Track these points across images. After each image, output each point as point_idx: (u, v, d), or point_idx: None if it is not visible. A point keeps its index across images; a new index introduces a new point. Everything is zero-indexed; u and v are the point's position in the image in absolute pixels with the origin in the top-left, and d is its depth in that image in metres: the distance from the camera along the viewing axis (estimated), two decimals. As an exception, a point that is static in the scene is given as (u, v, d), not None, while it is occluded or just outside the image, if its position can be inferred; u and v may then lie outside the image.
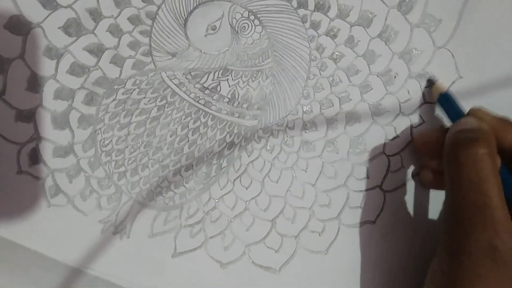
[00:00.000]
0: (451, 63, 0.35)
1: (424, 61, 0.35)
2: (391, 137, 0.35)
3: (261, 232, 0.34)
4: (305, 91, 0.34)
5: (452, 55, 0.35)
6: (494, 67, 0.36)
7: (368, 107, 0.35)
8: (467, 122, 0.30)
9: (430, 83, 0.35)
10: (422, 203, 0.35)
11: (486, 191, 0.26)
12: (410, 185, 0.35)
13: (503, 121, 0.30)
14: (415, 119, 0.35)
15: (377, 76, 0.35)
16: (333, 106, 0.35)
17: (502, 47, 0.36)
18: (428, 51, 0.35)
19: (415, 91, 0.35)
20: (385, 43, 0.35)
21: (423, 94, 0.35)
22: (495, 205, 0.26)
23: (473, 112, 0.31)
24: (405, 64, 0.35)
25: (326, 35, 0.34)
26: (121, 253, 0.32)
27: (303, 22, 0.34)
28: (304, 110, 0.34)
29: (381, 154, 0.35)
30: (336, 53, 0.35)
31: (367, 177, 0.35)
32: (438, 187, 0.34)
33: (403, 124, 0.35)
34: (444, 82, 0.35)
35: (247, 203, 0.34)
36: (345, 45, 0.35)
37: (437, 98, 0.34)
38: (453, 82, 0.35)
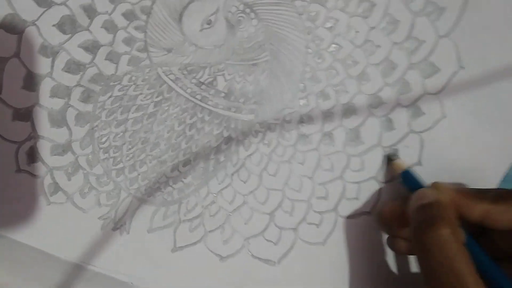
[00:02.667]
0: (453, 53, 0.35)
1: (426, 52, 0.35)
2: (388, 129, 0.35)
3: (260, 225, 0.34)
4: (301, 84, 0.34)
5: (455, 45, 0.35)
6: (497, 57, 0.35)
7: (365, 99, 0.35)
8: (426, 194, 0.30)
9: (389, 159, 0.35)
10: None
11: (457, 271, 0.26)
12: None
13: (463, 192, 0.30)
14: (411, 113, 0.35)
15: (375, 67, 0.35)
16: (329, 99, 0.34)
17: (506, 37, 0.35)
18: (430, 41, 0.35)
19: (415, 83, 0.35)
20: (384, 33, 0.34)
21: (424, 85, 0.35)
22: (469, 283, 0.26)
23: (432, 186, 0.31)
24: (405, 54, 0.35)
25: (324, 27, 0.34)
26: (121, 249, 0.33)
27: (299, 14, 0.34)
28: (301, 103, 0.34)
29: (377, 146, 0.35)
30: (334, 45, 0.34)
31: (363, 168, 0.35)
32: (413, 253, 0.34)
33: (400, 115, 0.35)
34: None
35: (246, 197, 0.34)
36: (343, 37, 0.34)
37: (398, 175, 0.34)
38: (455, 72, 0.35)
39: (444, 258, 0.26)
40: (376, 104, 0.35)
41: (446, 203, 0.29)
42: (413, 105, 0.35)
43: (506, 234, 0.29)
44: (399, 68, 0.35)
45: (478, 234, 0.30)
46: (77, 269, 0.32)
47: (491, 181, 0.36)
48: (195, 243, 0.34)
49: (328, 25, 0.34)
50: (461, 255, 0.26)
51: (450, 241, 0.27)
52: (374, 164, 0.35)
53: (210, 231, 0.34)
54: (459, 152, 0.35)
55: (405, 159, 0.35)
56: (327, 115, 0.35)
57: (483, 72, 0.35)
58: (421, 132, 0.35)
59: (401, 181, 0.34)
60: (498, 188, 0.32)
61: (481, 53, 0.35)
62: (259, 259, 0.34)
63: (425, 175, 0.35)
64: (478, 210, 0.29)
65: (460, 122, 0.35)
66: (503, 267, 0.29)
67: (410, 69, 0.35)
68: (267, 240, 0.34)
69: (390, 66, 0.35)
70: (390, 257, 0.35)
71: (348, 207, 0.35)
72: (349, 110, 0.35)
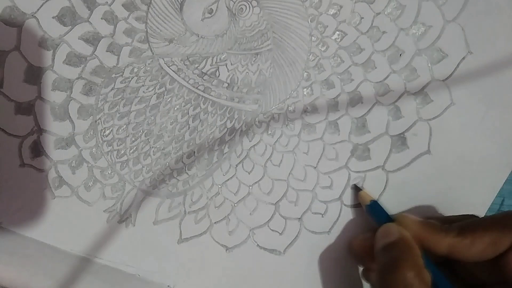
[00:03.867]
0: (461, 38, 0.34)
1: (433, 37, 0.34)
2: (395, 117, 0.34)
3: (265, 215, 0.34)
4: (305, 73, 0.34)
5: (463, 29, 0.34)
6: (507, 41, 0.34)
7: (371, 87, 0.34)
8: (390, 231, 0.30)
9: (357, 189, 0.35)
10: (424, 183, 0.35)
11: None
12: (414, 165, 0.35)
13: (428, 226, 0.30)
14: (419, 101, 0.34)
15: (382, 54, 0.34)
16: (334, 87, 0.34)
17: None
18: (437, 26, 0.34)
19: (423, 69, 0.34)
20: (390, 19, 0.33)
21: (432, 71, 0.34)
22: None
23: (398, 219, 0.31)
24: (412, 40, 0.34)
25: (327, 14, 0.33)
26: (127, 241, 0.33)
27: (302, 1, 0.33)
28: (305, 92, 0.34)
29: (384, 134, 0.34)
30: (338, 32, 0.34)
31: (370, 158, 0.35)
32: None
33: (408, 103, 0.34)
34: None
35: (250, 187, 0.34)
36: (347, 23, 0.34)
37: (365, 205, 0.34)
38: (463, 58, 0.34)
39: None
40: (382, 92, 0.34)
41: (410, 241, 0.29)
42: (421, 92, 0.34)
43: (478, 264, 0.29)
44: (406, 55, 0.34)
45: (454, 261, 0.30)
46: (84, 262, 0.32)
47: (502, 169, 0.35)
48: (200, 235, 0.34)
49: (332, 11, 0.33)
50: None
51: (415, 284, 0.27)
52: (381, 153, 0.35)
53: (215, 222, 0.34)
54: (469, 140, 0.35)
55: (414, 148, 0.35)
56: (332, 104, 0.34)
57: (492, 57, 0.34)
58: (429, 119, 0.35)
59: (367, 212, 0.34)
60: (461, 219, 0.31)
61: (490, 37, 0.34)
62: (265, 249, 0.34)
63: (434, 164, 0.35)
64: (443, 245, 0.29)
65: (469, 109, 0.35)
66: None
67: (417, 55, 0.34)
68: (272, 230, 0.34)
69: (396, 53, 0.34)
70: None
71: (354, 196, 0.35)
72: (354, 99, 0.34)
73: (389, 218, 0.32)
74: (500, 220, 0.29)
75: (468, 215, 0.32)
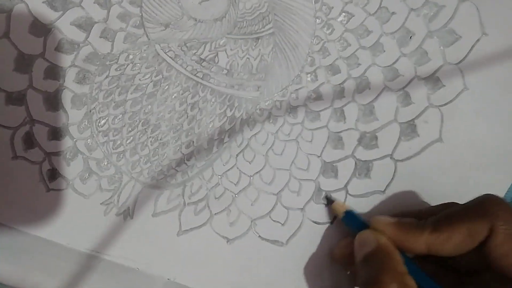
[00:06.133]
0: (475, 19, 0.32)
1: (446, 17, 0.32)
2: (404, 104, 0.33)
3: (267, 206, 0.33)
4: (309, 57, 0.32)
5: (477, 9, 0.32)
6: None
7: (379, 72, 0.32)
8: (367, 239, 0.29)
9: (329, 201, 0.33)
10: (436, 173, 0.33)
11: None
12: (425, 154, 0.33)
13: (402, 226, 0.29)
14: (430, 86, 0.32)
15: (391, 37, 0.32)
16: (340, 72, 0.32)
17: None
18: (450, 6, 0.32)
19: (434, 52, 0.32)
20: (400, -2, 0.32)
21: (444, 54, 0.32)
22: None
23: (372, 224, 0.30)
24: (423, 21, 0.32)
25: (333, -7, 0.31)
26: (126, 234, 0.32)
27: (306, -20, 0.31)
28: (309, 78, 0.32)
29: (393, 121, 0.33)
30: (344, 13, 0.32)
31: (377, 146, 0.33)
32: None
33: (418, 89, 0.33)
34: (469, 40, 0.32)
35: (251, 177, 0.33)
36: (354, 4, 0.32)
37: (340, 216, 0.32)
38: (478, 40, 0.32)
39: None
40: (391, 76, 0.33)
41: (388, 248, 0.28)
42: (432, 77, 0.33)
43: (463, 254, 0.28)
44: (416, 37, 0.32)
45: None
46: (81, 256, 0.32)
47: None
48: (200, 226, 0.33)
49: (338, -9, 0.31)
50: None
51: None
52: (389, 142, 0.33)
53: (216, 214, 0.33)
54: (483, 127, 0.33)
55: (425, 136, 0.33)
56: (338, 90, 0.32)
57: (508, 39, 0.32)
58: (441, 106, 0.33)
59: (344, 223, 0.33)
60: (440, 209, 0.30)
61: (506, 18, 0.32)
62: (267, 240, 0.33)
63: (446, 152, 0.33)
64: (420, 243, 0.28)
65: (483, 95, 0.33)
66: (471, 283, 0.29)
67: (428, 38, 0.33)
68: (274, 221, 0.33)
69: (406, 35, 0.32)
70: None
71: (359, 186, 0.33)
72: (362, 84, 0.33)
73: (365, 225, 0.31)
74: (473, 209, 0.28)
75: (446, 203, 0.31)
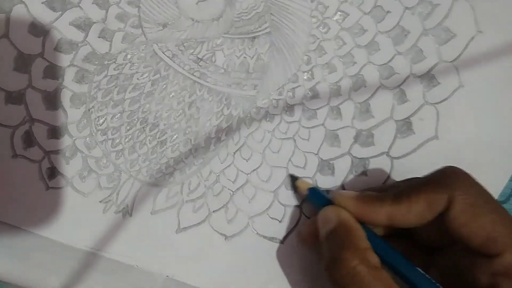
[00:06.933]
0: (470, 17, 0.32)
1: (441, 15, 0.32)
2: (400, 101, 0.33)
3: (264, 203, 0.33)
4: (306, 56, 0.32)
5: (472, 7, 0.32)
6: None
7: (375, 70, 0.33)
8: (328, 216, 0.29)
9: (293, 178, 0.33)
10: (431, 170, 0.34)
11: None
12: (421, 151, 0.33)
13: (363, 199, 0.29)
14: (425, 83, 0.33)
15: (386, 35, 0.32)
16: (336, 71, 0.32)
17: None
18: (444, 4, 0.32)
19: (429, 50, 0.33)
20: (395, -4, 0.32)
21: (439, 52, 0.32)
22: None
23: (334, 199, 0.29)
24: (418, 20, 0.32)
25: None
26: (125, 232, 0.32)
27: (302, -20, 0.31)
28: (305, 76, 0.32)
29: (389, 119, 0.33)
30: (340, 12, 0.32)
31: (373, 144, 0.33)
32: None
33: (413, 86, 0.33)
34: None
35: (249, 175, 0.33)
36: (349, 3, 0.32)
37: (304, 193, 0.32)
38: (472, 37, 0.32)
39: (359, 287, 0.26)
40: (387, 75, 0.33)
41: (350, 223, 0.28)
42: (428, 75, 0.33)
43: (428, 228, 0.28)
44: (411, 35, 0.33)
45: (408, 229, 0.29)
46: (80, 253, 0.32)
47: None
48: (199, 224, 0.33)
49: (333, -9, 0.31)
50: (376, 282, 0.25)
51: (362, 271, 0.25)
52: (386, 139, 0.33)
53: (214, 211, 0.33)
54: (478, 124, 0.33)
55: (421, 133, 0.33)
56: (334, 89, 0.33)
57: (503, 37, 0.33)
58: (436, 103, 0.33)
59: (308, 202, 0.33)
60: (396, 186, 0.30)
61: (500, 15, 0.32)
62: (264, 237, 0.34)
63: (442, 150, 0.33)
64: (381, 215, 0.28)
65: (478, 92, 0.33)
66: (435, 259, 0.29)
67: (423, 36, 0.33)
68: (271, 218, 0.34)
69: (402, 33, 0.33)
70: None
71: (356, 183, 0.34)
72: (357, 82, 0.33)
73: (329, 202, 0.30)
74: (432, 180, 0.28)
75: (409, 178, 0.31)
